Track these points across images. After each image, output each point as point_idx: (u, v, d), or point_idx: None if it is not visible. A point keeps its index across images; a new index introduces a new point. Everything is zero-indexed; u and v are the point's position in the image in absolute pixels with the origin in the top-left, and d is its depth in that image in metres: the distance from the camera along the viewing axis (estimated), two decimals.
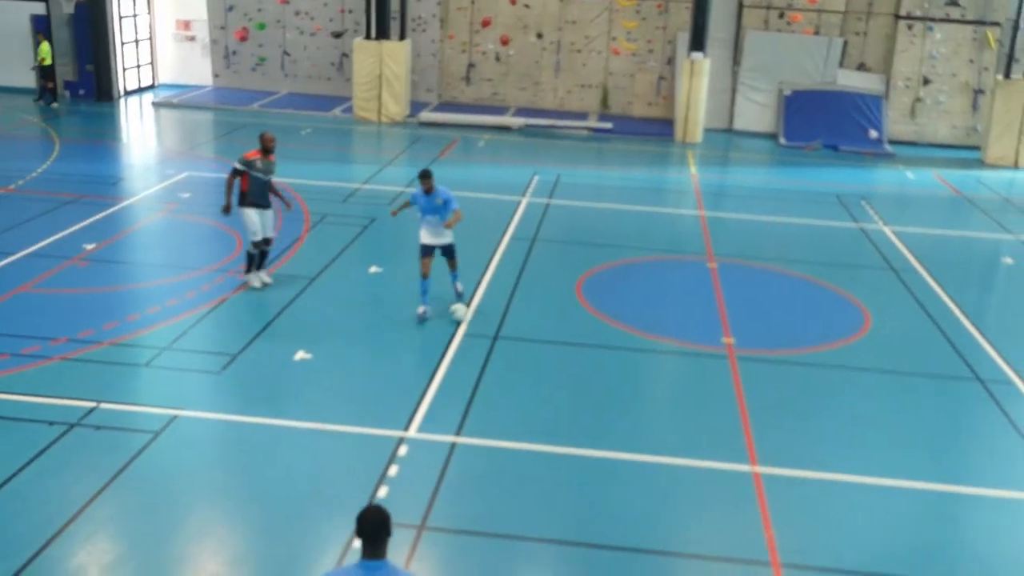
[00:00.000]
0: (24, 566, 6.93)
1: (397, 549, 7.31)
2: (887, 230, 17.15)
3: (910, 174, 22.48)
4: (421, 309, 11.87)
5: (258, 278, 12.62)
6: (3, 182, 17.04)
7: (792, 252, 15.63)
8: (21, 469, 8.13)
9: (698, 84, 24.34)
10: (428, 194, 11.94)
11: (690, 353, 11.40)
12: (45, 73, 24.90)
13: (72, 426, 8.86)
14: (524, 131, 25.05)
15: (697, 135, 24.72)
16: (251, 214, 12.37)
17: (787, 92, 25.42)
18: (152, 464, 8.40)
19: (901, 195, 20.80)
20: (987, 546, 7.88)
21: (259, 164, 12.37)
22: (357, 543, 7.33)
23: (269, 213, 12.58)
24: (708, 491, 8.50)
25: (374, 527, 4.73)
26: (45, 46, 24.78)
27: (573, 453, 8.91)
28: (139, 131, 24.20)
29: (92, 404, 9.24)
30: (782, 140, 25.11)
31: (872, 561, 7.55)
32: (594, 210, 17.78)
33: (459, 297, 12.18)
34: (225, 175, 12.94)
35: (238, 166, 12.34)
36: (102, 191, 16.96)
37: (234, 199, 12.35)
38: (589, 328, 11.95)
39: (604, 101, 27.16)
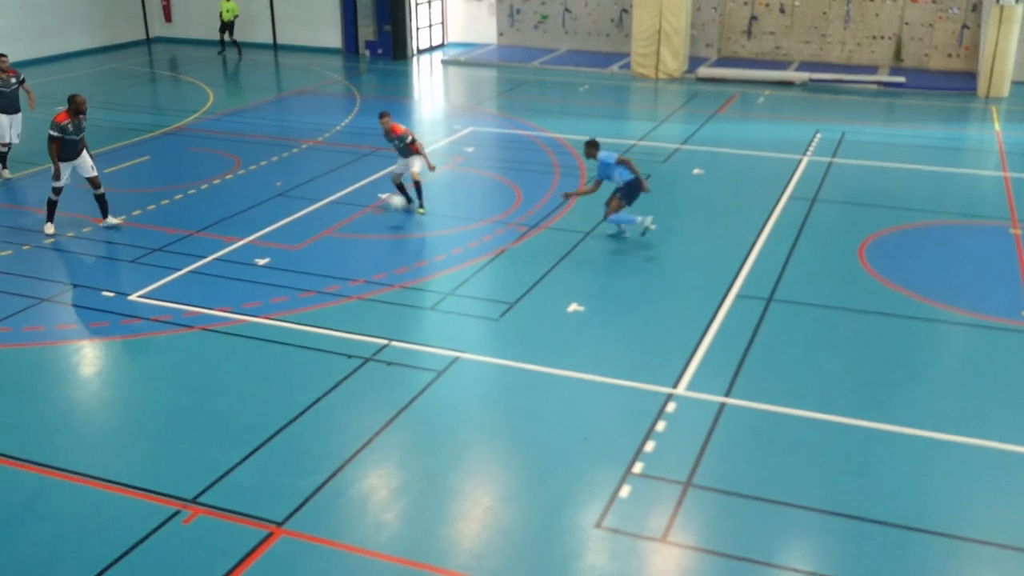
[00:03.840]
0: (323, 484, 7.69)
1: (662, 503, 7.43)
2: None
3: None
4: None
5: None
6: (312, 135, 18.67)
7: None
8: (323, 396, 9.00)
9: (1007, 32, 22.18)
10: None
11: (985, 325, 10.57)
12: (224, 27, 27.72)
13: (366, 360, 9.67)
14: (807, 86, 23.98)
15: (1004, 89, 22.59)
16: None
17: None
18: (435, 401, 9.01)
19: None
20: None
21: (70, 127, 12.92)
22: (624, 492, 7.54)
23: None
24: (1000, 474, 7.90)
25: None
26: (226, 3, 27.47)
27: (847, 423, 8.58)
28: (429, 88, 25.54)
29: (384, 341, 10.02)
30: None
31: None
32: (882, 170, 16.77)
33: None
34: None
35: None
36: None
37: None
38: (872, 294, 11.37)
39: (897, 54, 25.40)
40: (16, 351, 10.03)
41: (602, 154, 12.93)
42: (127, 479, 7.74)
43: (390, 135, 13.96)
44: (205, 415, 8.76)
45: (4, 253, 12.58)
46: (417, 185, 14.04)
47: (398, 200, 14.03)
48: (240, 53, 27.96)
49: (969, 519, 7.32)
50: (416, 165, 14.00)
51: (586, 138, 13.49)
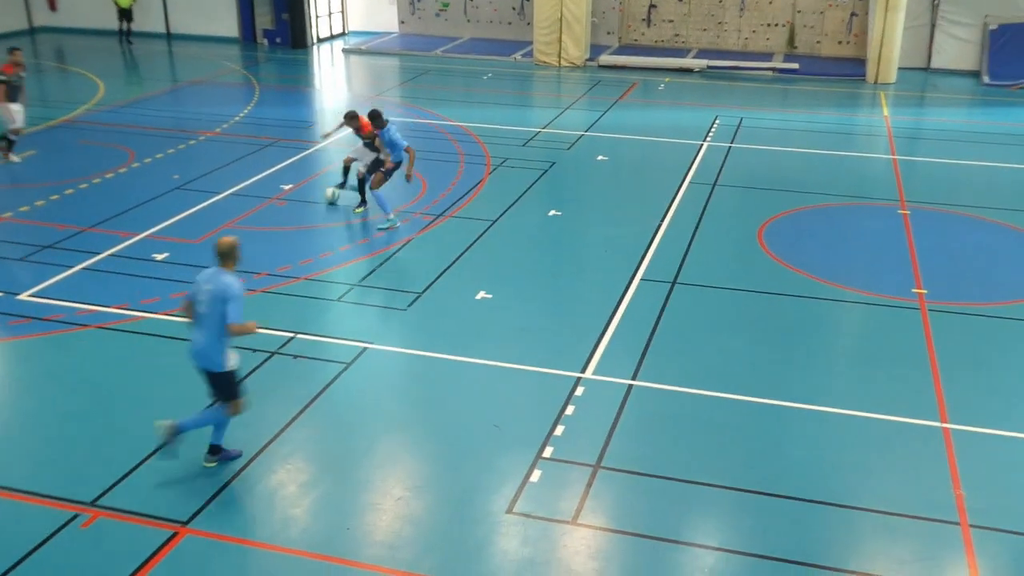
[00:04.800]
0: (229, 481, 7.53)
1: (573, 486, 7.49)
2: None
3: None
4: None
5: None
6: (210, 126, 18.20)
7: (994, 199, 14.67)
8: None
9: (893, 20, 23.01)
10: None
11: (877, 303, 10.96)
12: (122, 14, 27.14)
13: (272, 354, 9.48)
14: (706, 73, 24.45)
15: (891, 75, 23.43)
16: None
17: (993, 26, 23.65)
18: (344, 393, 8.90)
19: None
20: None
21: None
22: (535, 477, 7.57)
23: None
24: (892, 446, 8.22)
25: None
26: None
27: (751, 401, 8.80)
28: (330, 77, 25.16)
29: (290, 334, 9.85)
30: (985, 78, 23.45)
31: None
32: (778, 154, 17.22)
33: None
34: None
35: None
36: (297, 135, 17.82)
37: None
38: (771, 275, 11.67)
39: (791, 41, 26.09)
40: None
41: (393, 129, 12.99)
42: (19, 484, 7.44)
43: (359, 132, 13.63)
44: (103, 416, 8.47)
45: None
46: (361, 182, 13.62)
47: (331, 191, 13.99)
48: (130, 41, 27.08)
49: (867, 489, 7.59)
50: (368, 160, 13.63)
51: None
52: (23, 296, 10.75)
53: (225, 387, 7.54)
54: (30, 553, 6.68)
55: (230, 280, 7.30)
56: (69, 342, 9.81)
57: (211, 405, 7.79)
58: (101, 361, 9.46)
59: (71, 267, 11.50)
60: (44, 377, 9.28)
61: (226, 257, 7.41)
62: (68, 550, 6.75)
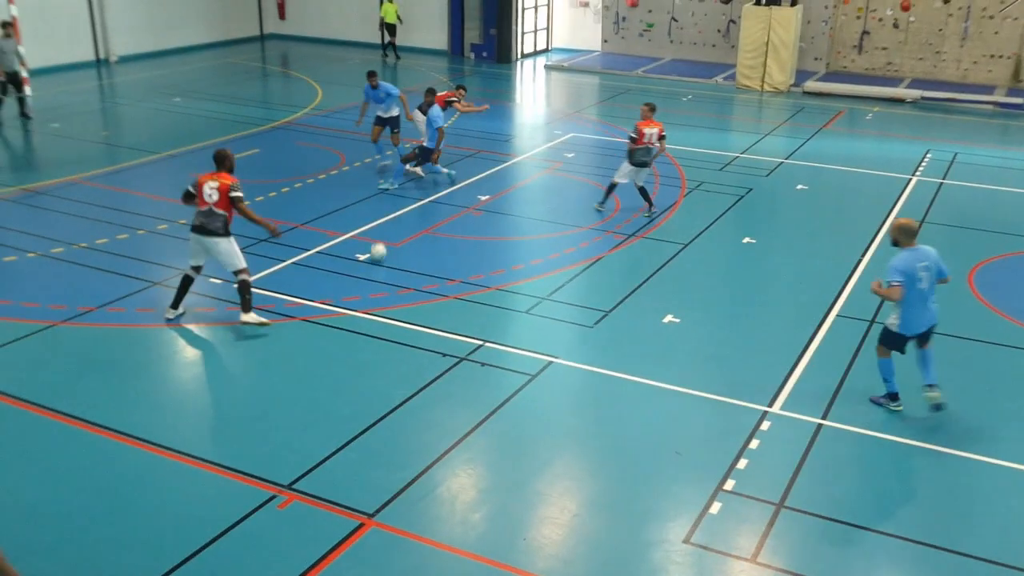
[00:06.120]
0: (414, 479, 7.80)
1: (753, 523, 7.32)
2: None
3: None
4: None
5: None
6: (415, 135, 18.84)
7: None
8: (417, 392, 9.12)
9: None
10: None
11: None
12: (387, 30, 28.27)
13: (460, 360, 9.77)
14: (919, 104, 23.32)
15: None
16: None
17: None
18: (527, 404, 9.05)
19: None
20: None
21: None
22: (715, 509, 7.46)
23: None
24: None
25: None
26: (387, 7, 27.86)
27: (948, 452, 8.33)
28: (531, 92, 25.66)
29: (479, 342, 10.11)
30: None
31: None
32: (995, 193, 16.20)
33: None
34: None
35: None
36: (496, 147, 18.28)
37: None
38: (981, 321, 11.00)
39: (1017, 74, 24.49)
40: (129, 330, 10.46)
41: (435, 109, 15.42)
42: (227, 461, 7.99)
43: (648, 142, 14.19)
44: (302, 404, 8.98)
45: (121, 237, 13.11)
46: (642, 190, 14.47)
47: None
48: (396, 56, 28.40)
49: None
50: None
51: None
52: None
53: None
54: (232, 526, 7.17)
55: (930, 249, 8.77)
56: (277, 332, 10.45)
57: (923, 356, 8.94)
58: (305, 352, 10.03)
59: (283, 261, 12.27)
60: (252, 362, 9.93)
61: (912, 235, 8.72)
62: (266, 528, 7.19)
